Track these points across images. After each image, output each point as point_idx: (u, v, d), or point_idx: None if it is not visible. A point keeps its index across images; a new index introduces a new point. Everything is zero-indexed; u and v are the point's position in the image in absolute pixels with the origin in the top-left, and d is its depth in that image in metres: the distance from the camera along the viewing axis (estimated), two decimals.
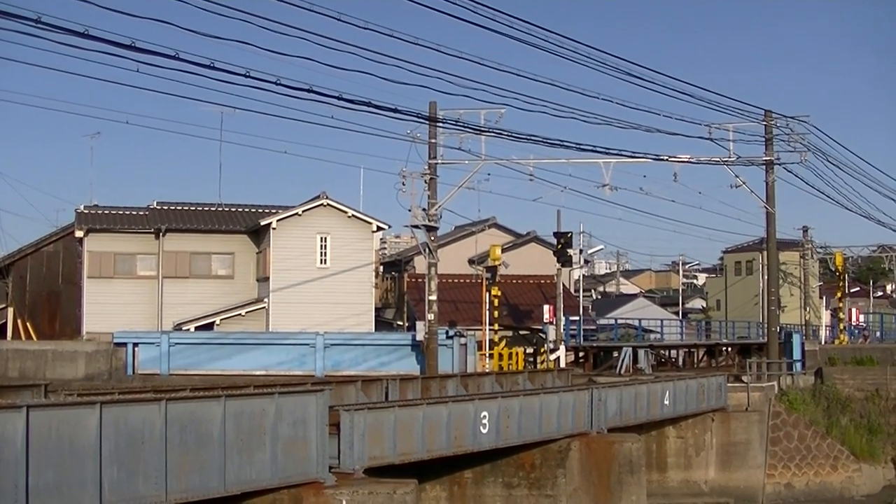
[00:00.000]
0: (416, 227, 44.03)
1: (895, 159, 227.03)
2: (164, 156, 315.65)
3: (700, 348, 62.04)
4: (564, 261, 54.02)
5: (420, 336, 45.95)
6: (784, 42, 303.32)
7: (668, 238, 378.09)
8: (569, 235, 54.30)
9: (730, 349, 62.53)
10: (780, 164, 49.68)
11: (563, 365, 49.65)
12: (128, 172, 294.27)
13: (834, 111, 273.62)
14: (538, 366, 52.99)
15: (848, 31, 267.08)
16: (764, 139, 49.33)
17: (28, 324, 58.49)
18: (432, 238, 44.44)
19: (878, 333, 77.36)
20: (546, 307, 55.24)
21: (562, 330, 52.87)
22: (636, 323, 64.12)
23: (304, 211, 54.17)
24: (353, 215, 54.55)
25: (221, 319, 53.13)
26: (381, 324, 63.79)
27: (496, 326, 52.01)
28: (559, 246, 53.79)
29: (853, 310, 73.51)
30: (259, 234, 55.52)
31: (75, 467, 17.05)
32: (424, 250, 44.47)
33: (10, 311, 59.14)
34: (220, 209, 59.39)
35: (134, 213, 57.76)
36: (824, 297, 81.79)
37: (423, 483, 27.67)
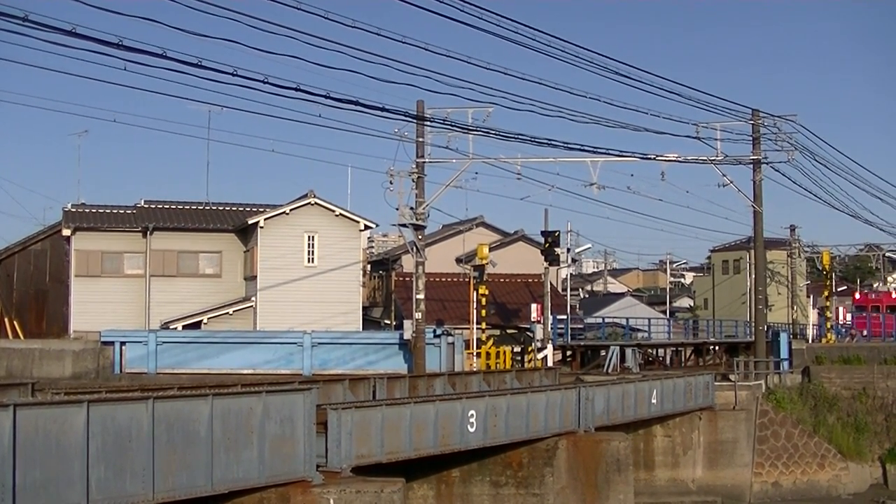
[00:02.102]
0: (404, 225, 44.02)
1: (884, 157, 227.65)
2: (151, 154, 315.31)
3: (687, 347, 62.08)
4: (552, 260, 54.01)
5: (408, 335, 45.91)
6: (773, 40, 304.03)
7: (655, 237, 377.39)
8: (556, 234, 54.26)
9: (717, 348, 62.62)
10: (767, 164, 49.80)
11: (550, 364, 49.66)
12: (115, 171, 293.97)
13: (823, 109, 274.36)
14: (526, 365, 53.00)
15: (839, 30, 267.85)
16: (751, 138, 49.42)
17: (15, 322, 58.32)
18: (420, 237, 44.44)
19: (864, 332, 77.53)
20: (534, 306, 55.27)
21: (549, 329, 52.87)
22: (623, 322, 64.09)
23: (291, 210, 54.11)
24: (340, 214, 54.51)
25: (209, 318, 53.05)
26: (369, 322, 63.78)
27: (484, 325, 52.00)
28: (546, 245, 53.77)
29: (840, 308, 73.69)
30: (246, 233, 55.46)
31: (62, 466, 17.03)
32: (412, 249, 44.47)
33: None
34: (208, 208, 59.33)
35: (121, 211, 57.65)
36: (811, 296, 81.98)
37: (410, 482, 27.69)
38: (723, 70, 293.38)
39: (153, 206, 58.44)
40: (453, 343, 47.39)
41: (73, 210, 57.22)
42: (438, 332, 47.59)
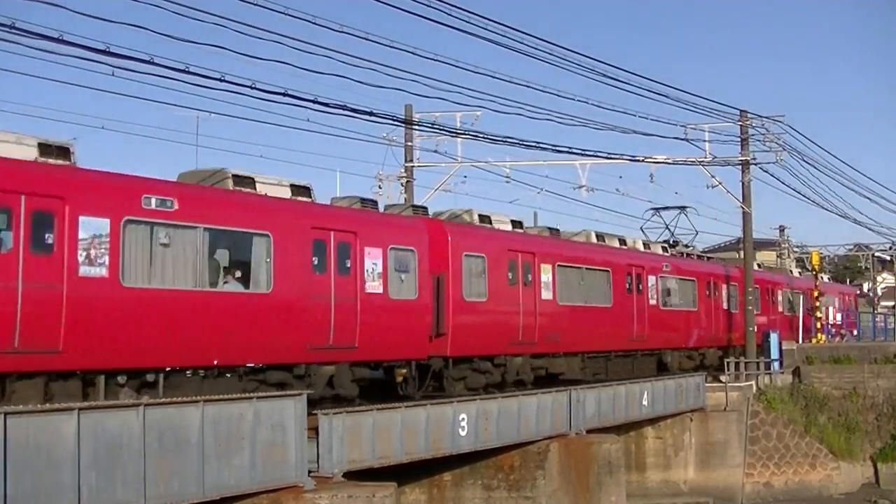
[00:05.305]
0: None
1: (873, 155, 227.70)
2: (140, 161, 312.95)
3: None
4: None
5: None
6: (761, 36, 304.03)
7: None
8: None
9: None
10: (755, 164, 49.79)
11: None
12: None
13: (812, 107, 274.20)
14: None
15: (830, 25, 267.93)
16: (739, 139, 49.40)
17: None
18: None
19: (854, 332, 77.58)
20: None
21: None
22: None
23: None
24: None
25: None
26: None
27: None
28: None
29: (830, 308, 73.68)
30: None
31: (54, 474, 16.96)
32: None
33: None
34: None
35: None
36: (801, 296, 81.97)
37: (402, 486, 27.67)
38: (711, 67, 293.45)
39: None
40: None
41: None
42: None
